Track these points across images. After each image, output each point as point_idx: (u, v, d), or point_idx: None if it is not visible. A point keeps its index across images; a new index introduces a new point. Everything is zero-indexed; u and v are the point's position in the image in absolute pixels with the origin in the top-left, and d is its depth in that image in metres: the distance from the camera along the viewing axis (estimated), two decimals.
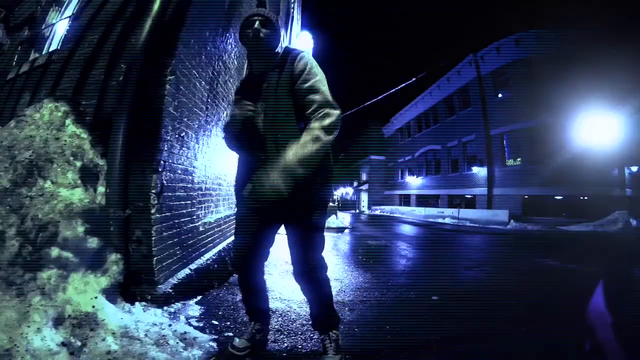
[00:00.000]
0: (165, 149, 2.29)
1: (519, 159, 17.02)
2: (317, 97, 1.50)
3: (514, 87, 17.28)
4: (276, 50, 1.69)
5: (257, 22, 1.60)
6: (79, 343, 1.56)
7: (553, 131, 15.60)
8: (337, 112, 1.50)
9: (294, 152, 1.42)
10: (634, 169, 17.28)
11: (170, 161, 2.37)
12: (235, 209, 1.79)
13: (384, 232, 10.96)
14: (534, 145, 16.32)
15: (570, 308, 2.85)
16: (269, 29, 1.63)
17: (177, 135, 2.45)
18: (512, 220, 15.15)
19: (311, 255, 1.66)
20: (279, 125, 1.52)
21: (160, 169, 2.23)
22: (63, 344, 1.51)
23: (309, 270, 1.69)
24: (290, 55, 1.60)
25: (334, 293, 3.10)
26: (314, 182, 1.54)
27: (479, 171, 18.82)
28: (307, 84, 1.52)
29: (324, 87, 1.54)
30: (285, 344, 2.06)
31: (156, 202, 2.22)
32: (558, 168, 15.36)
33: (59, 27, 5.08)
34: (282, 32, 1.68)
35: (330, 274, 3.81)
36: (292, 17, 13.87)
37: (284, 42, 11.73)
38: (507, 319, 2.66)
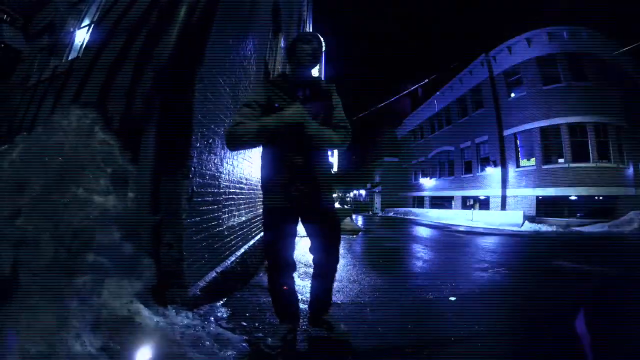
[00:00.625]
0: (195, 155, 2.36)
1: (532, 159, 16.78)
2: (344, 122, 1.95)
3: (527, 86, 17.07)
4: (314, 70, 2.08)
5: (315, 42, 1.94)
6: (118, 347, 1.61)
7: (567, 130, 15.41)
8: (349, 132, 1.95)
9: (316, 129, 1.82)
10: None
11: (199, 167, 2.44)
12: (265, 206, 1.97)
13: (398, 234, 10.94)
14: (548, 145, 16.11)
15: (586, 311, 2.88)
16: (319, 50, 1.99)
17: (205, 142, 2.51)
18: (526, 222, 14.94)
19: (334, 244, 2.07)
20: (320, 142, 1.84)
21: (190, 175, 2.30)
22: (102, 349, 1.55)
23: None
24: (330, 86, 2.02)
25: (353, 295, 3.17)
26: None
27: (493, 172, 18.62)
28: (341, 114, 1.97)
29: (343, 114, 1.99)
30: (313, 344, 2.11)
31: (187, 207, 2.28)
32: (572, 168, 15.16)
33: (79, 34, 5.23)
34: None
35: (349, 275, 3.88)
36: (304, 21, 13.96)
37: None
38: (524, 319, 2.68)
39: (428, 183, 26.19)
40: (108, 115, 2.71)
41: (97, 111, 2.64)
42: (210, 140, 2.61)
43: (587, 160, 15.08)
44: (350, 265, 4.63)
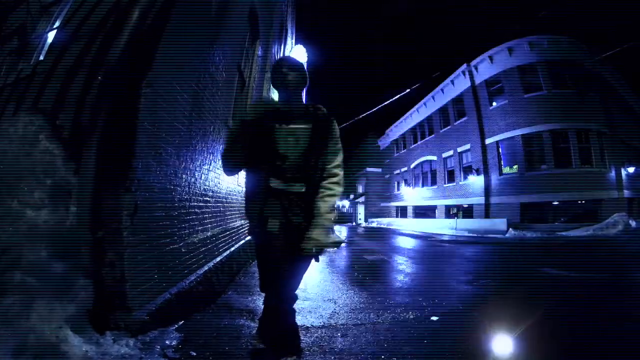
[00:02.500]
0: (140, 167, 2.14)
1: (515, 167, 16.98)
2: (338, 159, 1.82)
3: (509, 94, 17.36)
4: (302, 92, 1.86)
5: (285, 67, 1.76)
6: None
7: (549, 137, 15.67)
8: (341, 178, 1.81)
9: (327, 211, 1.72)
10: (631, 169, 17.32)
11: (146, 179, 2.22)
12: (254, 237, 1.85)
13: (381, 246, 10.76)
14: (530, 152, 16.35)
15: (578, 323, 2.74)
16: (297, 72, 1.77)
17: (154, 152, 2.30)
18: (510, 229, 15.01)
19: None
20: (312, 166, 1.74)
21: (133, 189, 2.08)
22: None
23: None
24: (325, 114, 1.85)
25: (326, 316, 2.96)
26: None
27: (476, 180, 18.73)
28: (336, 147, 1.82)
29: (340, 152, 1.85)
30: None
31: (129, 223, 2.07)
32: (555, 173, 15.38)
33: (49, 37, 4.98)
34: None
35: (325, 293, 3.66)
36: (286, 30, 13.92)
37: (277, 56, 11.72)
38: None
39: (411, 193, 26.24)
40: (58, 123, 2.50)
41: (46, 119, 2.44)
42: (161, 151, 2.40)
43: (569, 165, 15.37)
44: (327, 281, 4.40)
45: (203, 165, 3.38)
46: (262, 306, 1.91)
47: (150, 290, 2.31)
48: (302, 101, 1.86)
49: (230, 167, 1.89)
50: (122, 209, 2.03)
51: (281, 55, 11.85)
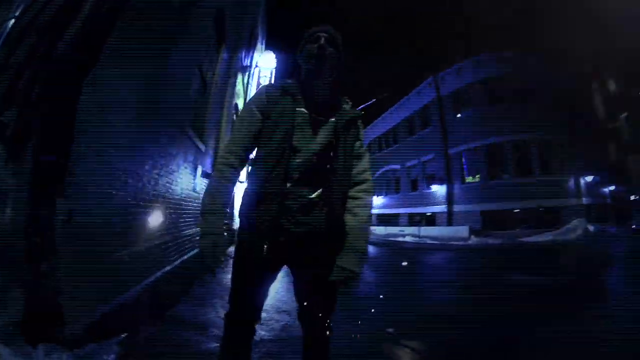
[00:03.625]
0: (79, 170, 2.00)
1: (477, 176, 17.65)
2: (366, 163, 1.57)
3: (473, 106, 18.09)
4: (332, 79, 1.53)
5: (322, 39, 1.47)
6: None
7: (511, 148, 16.45)
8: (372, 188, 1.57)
9: (362, 229, 1.46)
10: (589, 178, 18.55)
11: (85, 184, 2.08)
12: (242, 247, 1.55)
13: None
14: (492, 162, 17.06)
15: (547, 333, 2.83)
16: (335, 48, 1.50)
17: (96, 155, 2.16)
18: (472, 236, 15.54)
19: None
20: (327, 169, 1.43)
21: (70, 194, 1.94)
22: None
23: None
24: (354, 113, 1.53)
25: (280, 327, 2.88)
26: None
27: (439, 189, 19.29)
28: (362, 148, 1.56)
29: (367, 155, 1.61)
30: None
31: (64, 230, 1.92)
32: (516, 182, 16.14)
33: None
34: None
35: (280, 304, 3.57)
36: (257, 36, 13.81)
37: (249, 62, 11.59)
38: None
39: (375, 201, 26.61)
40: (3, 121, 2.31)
41: None
42: (104, 154, 2.26)
43: (530, 174, 16.19)
44: (283, 290, 4.29)
45: (154, 169, 3.23)
46: (217, 319, 1.72)
47: (89, 301, 2.16)
48: (330, 87, 1.52)
49: (230, 163, 1.48)
50: (57, 214, 1.88)
51: (248, 60, 11.73)
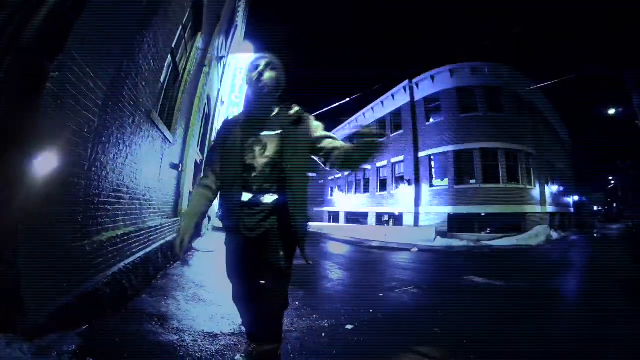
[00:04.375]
0: (39, 157, 1.95)
1: (446, 180, 18.21)
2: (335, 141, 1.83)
3: (445, 112, 18.63)
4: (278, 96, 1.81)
5: (262, 65, 1.73)
6: None
7: (479, 154, 17.11)
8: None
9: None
10: (554, 188, 19.66)
11: (46, 172, 2.02)
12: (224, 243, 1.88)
13: (310, 250, 10.87)
14: (461, 167, 17.67)
15: (498, 331, 3.01)
16: (273, 71, 1.76)
17: (57, 143, 2.10)
18: (438, 237, 16.01)
19: None
20: (296, 173, 1.70)
21: (29, 180, 1.89)
22: None
23: None
24: (303, 115, 1.80)
25: (238, 322, 2.90)
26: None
27: (407, 190, 19.74)
28: (326, 134, 1.83)
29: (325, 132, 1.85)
30: None
31: (24, 217, 1.87)
32: (483, 188, 16.82)
33: None
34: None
35: None
36: (236, 26, 13.59)
37: (226, 52, 11.38)
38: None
39: (344, 199, 26.90)
40: None
41: None
42: (66, 142, 2.20)
43: (497, 181, 16.90)
44: None
45: (117, 158, 3.16)
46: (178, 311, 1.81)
47: (49, 291, 2.12)
48: (274, 105, 1.80)
49: (203, 183, 1.83)
50: (16, 201, 1.83)
51: (224, 49, 11.54)
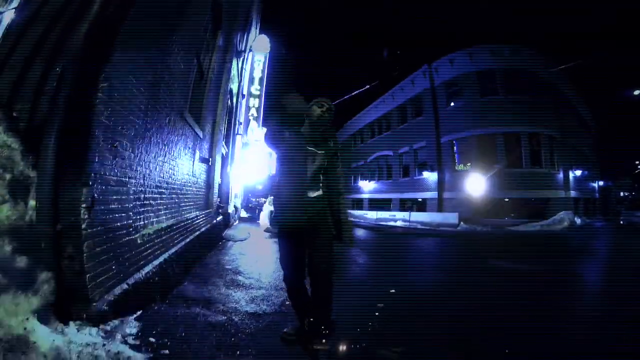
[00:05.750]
0: (97, 160, 2.18)
1: (468, 164, 17.98)
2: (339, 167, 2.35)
3: (466, 97, 18.30)
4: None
5: (326, 107, 2.23)
6: None
7: (502, 139, 16.78)
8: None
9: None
10: (578, 172, 19.09)
11: (102, 173, 2.26)
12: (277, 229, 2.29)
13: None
14: (483, 152, 17.38)
15: (518, 309, 3.13)
16: (331, 115, 2.27)
17: (109, 146, 2.33)
18: (462, 222, 15.92)
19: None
20: (331, 177, 2.28)
21: (90, 182, 2.12)
22: None
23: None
24: (333, 137, 2.32)
25: (279, 302, 3.13)
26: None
27: (430, 176, 19.61)
28: (339, 166, 2.33)
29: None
30: None
31: (87, 216, 2.10)
32: (507, 172, 16.53)
33: (6, 17, 4.61)
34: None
35: (278, 283, 3.81)
36: (251, 20, 13.73)
37: (244, 47, 11.59)
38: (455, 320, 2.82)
39: (367, 186, 26.93)
40: (14, 115, 2.45)
41: (3, 111, 2.38)
42: (117, 144, 2.43)
43: (520, 166, 16.58)
44: (281, 271, 4.53)
45: (158, 157, 3.40)
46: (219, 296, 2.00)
47: (108, 281, 2.36)
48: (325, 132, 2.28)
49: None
50: (79, 202, 2.05)
51: (242, 44, 11.71)
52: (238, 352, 2.12)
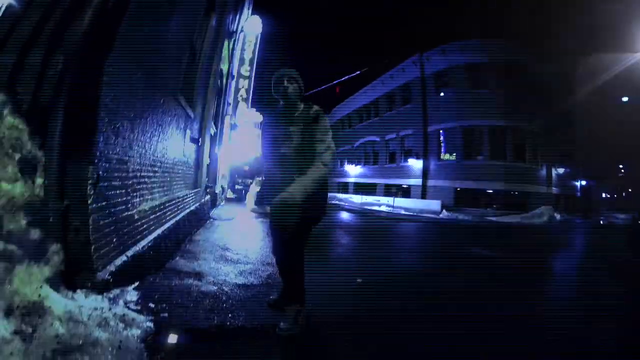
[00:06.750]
0: (102, 140, 2.35)
1: (454, 154, 18.41)
2: (325, 144, 2.16)
3: (455, 88, 18.60)
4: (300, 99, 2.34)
5: (285, 81, 2.26)
6: (30, 330, 1.65)
7: (487, 131, 17.21)
8: (333, 152, 2.18)
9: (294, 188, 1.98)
10: (560, 170, 19.74)
11: (106, 152, 2.43)
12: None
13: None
14: (469, 143, 17.82)
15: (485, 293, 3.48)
16: (294, 84, 2.29)
17: (112, 127, 2.50)
18: (444, 210, 16.44)
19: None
20: (303, 158, 2.14)
21: (96, 160, 2.30)
22: (15, 332, 1.59)
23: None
24: (316, 115, 2.21)
25: (266, 275, 3.39)
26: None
27: (415, 163, 20.02)
28: (320, 134, 2.17)
29: (328, 137, 2.18)
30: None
31: (92, 192, 2.29)
32: (490, 164, 17.03)
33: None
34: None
35: (265, 258, 4.05)
36: (244, 1, 13.56)
37: (235, 28, 11.50)
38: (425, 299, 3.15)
39: (353, 170, 27.29)
40: (18, 98, 2.57)
41: (7, 94, 2.49)
42: (118, 125, 2.60)
43: (504, 159, 17.09)
44: (268, 248, 4.79)
45: (153, 137, 3.55)
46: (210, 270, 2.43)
47: (110, 253, 2.55)
48: (298, 107, 2.29)
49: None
50: (86, 179, 2.23)
51: (234, 25, 11.64)
52: (230, 315, 2.38)
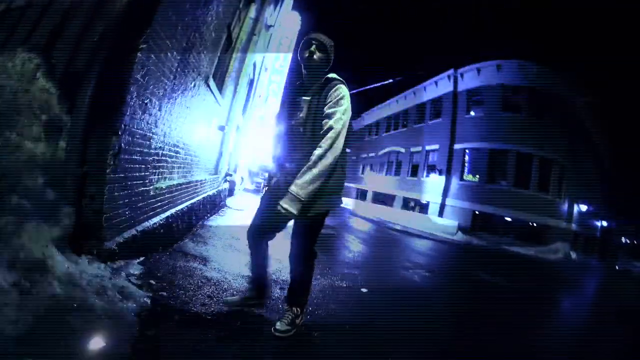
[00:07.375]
0: (128, 113, 2.38)
1: (477, 176, 17.98)
2: (330, 121, 1.86)
3: (486, 108, 18.16)
4: (325, 71, 2.04)
5: (313, 46, 1.97)
6: (28, 284, 1.69)
7: (514, 157, 16.73)
8: (336, 134, 1.85)
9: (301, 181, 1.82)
10: (583, 207, 18.98)
11: (130, 125, 2.46)
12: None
13: (334, 223, 11.33)
14: (493, 166, 17.36)
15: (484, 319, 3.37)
16: (322, 53, 2.00)
17: (140, 102, 2.53)
18: (460, 232, 16.05)
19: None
20: (314, 140, 1.87)
21: (120, 132, 2.33)
22: (14, 284, 1.63)
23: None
24: (329, 84, 1.93)
25: (272, 271, 3.36)
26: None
27: (437, 180, 19.66)
28: (330, 110, 1.87)
29: (340, 115, 1.87)
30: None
31: (112, 162, 2.32)
32: (512, 191, 16.53)
33: None
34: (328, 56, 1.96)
35: (273, 253, 4.03)
36: None
37: (274, 22, 11.61)
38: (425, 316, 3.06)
39: (374, 179, 27.03)
40: (52, 62, 2.64)
41: (43, 57, 2.57)
42: (147, 101, 2.63)
43: (527, 188, 16.56)
44: (277, 244, 4.73)
45: (179, 118, 3.59)
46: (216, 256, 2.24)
47: (120, 224, 2.59)
48: (321, 79, 1.98)
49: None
50: (108, 149, 2.27)
51: (273, 18, 11.73)
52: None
